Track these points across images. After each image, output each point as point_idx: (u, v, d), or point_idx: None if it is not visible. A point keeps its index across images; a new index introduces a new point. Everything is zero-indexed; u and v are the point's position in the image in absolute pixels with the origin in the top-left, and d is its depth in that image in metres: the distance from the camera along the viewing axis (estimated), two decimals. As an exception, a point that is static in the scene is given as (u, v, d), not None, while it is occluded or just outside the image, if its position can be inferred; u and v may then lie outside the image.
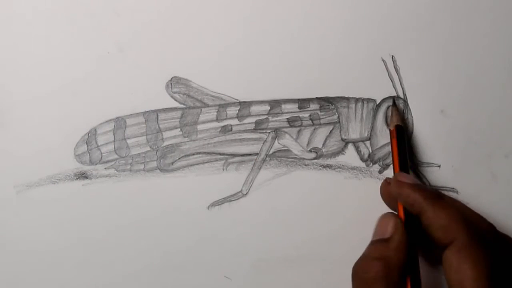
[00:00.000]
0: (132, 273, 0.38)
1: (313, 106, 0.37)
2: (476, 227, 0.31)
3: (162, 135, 0.37)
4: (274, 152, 0.38)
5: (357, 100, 0.37)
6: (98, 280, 0.38)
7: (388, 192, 0.35)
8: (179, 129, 0.37)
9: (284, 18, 0.37)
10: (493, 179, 0.38)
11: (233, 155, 0.38)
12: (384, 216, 0.33)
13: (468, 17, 0.37)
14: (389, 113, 0.37)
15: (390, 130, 0.36)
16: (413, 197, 0.32)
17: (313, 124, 0.38)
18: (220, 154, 0.38)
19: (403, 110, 0.37)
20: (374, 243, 0.32)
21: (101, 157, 0.37)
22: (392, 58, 0.37)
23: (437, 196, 0.32)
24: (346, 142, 0.38)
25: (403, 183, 0.33)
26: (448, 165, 0.38)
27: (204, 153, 0.38)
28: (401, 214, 0.33)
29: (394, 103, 0.37)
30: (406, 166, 0.35)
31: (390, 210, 0.35)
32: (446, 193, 0.38)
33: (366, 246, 0.33)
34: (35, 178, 0.37)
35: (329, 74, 0.37)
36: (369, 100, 0.37)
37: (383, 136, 0.37)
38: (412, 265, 0.32)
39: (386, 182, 0.36)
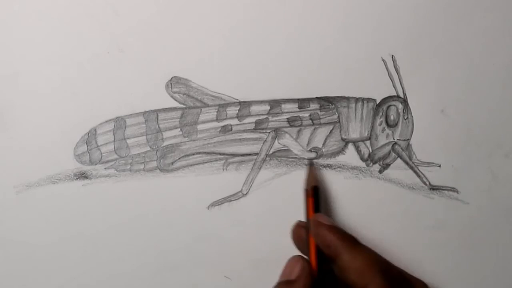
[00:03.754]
0: (132, 273, 0.38)
1: (313, 106, 0.37)
2: (389, 272, 0.31)
3: (162, 135, 0.37)
4: (274, 152, 0.38)
5: (357, 99, 0.37)
6: (98, 279, 0.38)
7: (299, 235, 0.35)
8: (179, 129, 0.37)
9: (284, 18, 0.37)
10: (493, 178, 0.38)
11: (233, 155, 0.38)
12: (292, 259, 0.34)
13: (468, 17, 0.37)
14: (389, 113, 0.37)
15: (306, 190, 0.36)
16: (330, 238, 0.32)
17: (313, 124, 0.38)
18: (220, 154, 0.38)
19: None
20: (279, 284, 0.33)
21: (101, 157, 0.37)
22: (392, 58, 0.37)
23: (353, 240, 0.33)
24: (346, 142, 0.38)
25: (321, 224, 0.33)
26: (448, 164, 0.38)
27: (204, 153, 0.38)
28: (313, 257, 0.33)
29: (311, 164, 0.37)
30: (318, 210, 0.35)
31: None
32: (446, 192, 0.38)
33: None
34: (35, 178, 0.37)
35: (329, 74, 0.37)
36: (369, 100, 0.37)
37: (383, 136, 0.37)
38: None
39: (299, 226, 0.36)
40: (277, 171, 0.38)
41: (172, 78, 0.37)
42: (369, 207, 0.37)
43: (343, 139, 0.38)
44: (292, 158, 0.38)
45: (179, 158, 0.38)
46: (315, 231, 0.33)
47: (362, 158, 0.38)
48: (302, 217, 0.37)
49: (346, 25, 0.37)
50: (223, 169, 0.38)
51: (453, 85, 0.38)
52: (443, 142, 0.38)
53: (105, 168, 0.37)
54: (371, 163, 0.38)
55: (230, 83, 0.37)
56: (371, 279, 0.31)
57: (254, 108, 0.37)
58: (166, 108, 0.37)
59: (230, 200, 0.37)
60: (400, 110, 0.37)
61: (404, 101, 0.37)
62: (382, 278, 0.31)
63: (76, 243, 0.37)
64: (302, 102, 0.37)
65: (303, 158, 0.38)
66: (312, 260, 0.33)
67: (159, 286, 0.38)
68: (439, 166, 0.38)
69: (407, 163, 0.37)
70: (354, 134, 0.38)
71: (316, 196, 0.35)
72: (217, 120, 0.38)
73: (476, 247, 0.38)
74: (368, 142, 0.38)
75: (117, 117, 0.37)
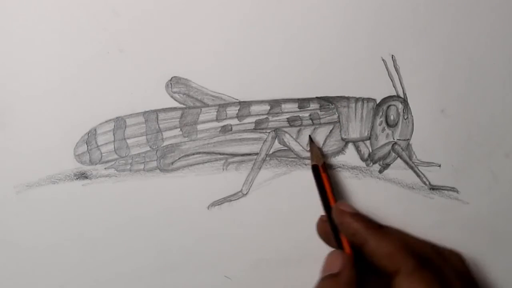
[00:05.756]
0: (132, 273, 0.38)
1: (313, 105, 0.37)
2: (419, 251, 0.31)
3: (162, 135, 0.37)
4: (274, 152, 0.38)
5: (357, 99, 0.37)
6: (97, 279, 0.38)
7: (325, 229, 0.35)
8: (179, 129, 0.37)
9: (284, 18, 0.37)
10: (493, 178, 0.38)
11: (233, 155, 0.38)
12: (332, 253, 0.33)
13: (468, 17, 0.37)
14: (389, 113, 0.37)
15: (317, 166, 0.36)
16: (355, 226, 0.32)
17: (313, 124, 0.38)
18: (220, 154, 0.38)
19: (404, 110, 0.37)
20: (324, 279, 0.32)
21: (101, 157, 0.37)
22: (392, 58, 0.37)
23: (377, 225, 0.33)
24: (346, 142, 0.38)
25: (345, 212, 0.33)
26: (448, 164, 0.38)
27: (204, 153, 0.38)
28: (348, 249, 0.33)
29: (311, 140, 0.37)
30: (336, 198, 0.35)
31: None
32: (446, 192, 0.38)
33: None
34: (35, 178, 0.37)
35: (329, 74, 0.37)
36: (369, 99, 0.37)
37: (383, 136, 0.37)
38: None
39: (322, 220, 0.36)
40: (277, 171, 0.38)
41: (172, 78, 0.37)
42: (369, 207, 0.37)
43: (343, 139, 0.38)
44: (292, 158, 0.38)
45: (179, 158, 0.38)
46: (339, 220, 0.33)
47: (362, 158, 0.38)
48: (302, 217, 0.37)
49: (346, 25, 0.37)
50: (223, 169, 0.38)
51: (453, 85, 0.38)
52: (443, 142, 0.38)
53: (105, 168, 0.37)
54: (371, 163, 0.38)
55: (230, 83, 0.37)
56: (403, 262, 0.30)
57: (254, 108, 0.37)
58: (166, 108, 0.37)
59: (230, 200, 0.37)
60: (400, 110, 0.37)
61: (404, 101, 0.37)
62: (413, 258, 0.30)
63: (76, 243, 0.37)
64: (302, 102, 0.37)
65: (303, 158, 0.38)
66: (347, 249, 0.33)
67: (159, 286, 0.38)
68: (439, 166, 0.38)
69: (407, 163, 0.37)
70: (354, 134, 0.38)
71: (327, 172, 0.35)
72: (217, 120, 0.38)
73: (476, 247, 0.38)
74: (368, 142, 0.38)
75: (117, 117, 0.37)
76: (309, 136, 0.37)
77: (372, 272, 0.32)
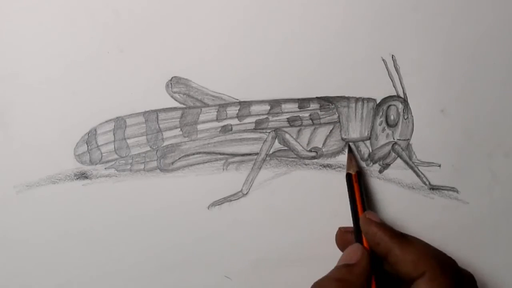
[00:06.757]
0: (132, 272, 0.38)
1: (313, 105, 0.37)
2: (441, 260, 0.32)
3: (162, 135, 0.37)
4: (274, 151, 0.38)
5: (357, 99, 0.37)
6: (97, 279, 0.38)
7: (344, 240, 0.36)
8: (179, 129, 0.37)
9: (284, 18, 0.37)
10: (493, 178, 0.38)
11: (233, 155, 0.38)
12: (353, 246, 0.34)
13: (468, 17, 0.37)
14: (390, 113, 0.37)
15: (351, 174, 0.36)
16: (380, 235, 0.33)
17: (313, 124, 0.38)
18: (220, 154, 0.38)
19: (403, 111, 0.37)
20: (339, 267, 0.33)
21: (101, 157, 0.37)
22: (392, 57, 0.37)
23: (402, 235, 0.34)
24: (346, 142, 0.38)
25: (372, 221, 0.34)
26: (448, 164, 0.38)
27: (204, 153, 0.38)
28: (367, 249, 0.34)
29: (350, 149, 0.37)
30: (365, 207, 0.35)
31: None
32: (446, 192, 0.38)
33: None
34: (35, 178, 0.37)
35: (329, 74, 0.37)
36: (369, 99, 0.37)
37: (383, 136, 0.37)
38: None
39: (341, 231, 0.36)
40: (277, 171, 0.38)
41: (172, 78, 0.37)
42: (369, 207, 0.37)
43: (343, 139, 0.38)
44: (292, 158, 0.38)
45: (179, 158, 0.38)
46: (366, 229, 0.34)
47: (362, 158, 0.38)
48: (302, 216, 0.37)
49: (346, 25, 0.37)
50: (223, 169, 0.38)
51: (453, 85, 0.38)
52: (443, 142, 0.38)
53: (105, 168, 0.37)
54: (371, 163, 0.38)
55: (230, 83, 0.37)
56: (427, 267, 0.31)
57: (254, 108, 0.37)
58: (166, 108, 0.37)
59: (230, 200, 0.37)
60: (400, 110, 0.37)
61: (404, 101, 0.37)
62: (438, 263, 0.32)
63: (76, 243, 0.37)
64: (302, 102, 0.37)
65: (303, 158, 0.38)
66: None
67: (159, 286, 0.38)
68: (439, 166, 0.38)
69: (407, 163, 0.37)
70: (354, 134, 0.38)
71: (360, 180, 0.36)
72: (217, 120, 0.38)
73: (476, 247, 0.38)
74: (368, 142, 0.38)
75: (117, 117, 0.37)
76: (348, 144, 0.37)
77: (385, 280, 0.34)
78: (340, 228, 0.36)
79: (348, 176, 0.36)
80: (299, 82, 0.37)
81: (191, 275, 0.38)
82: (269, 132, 0.37)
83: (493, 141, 0.38)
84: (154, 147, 0.38)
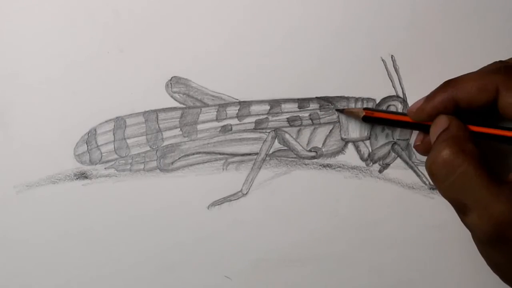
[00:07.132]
0: (132, 273, 0.38)
1: (313, 105, 0.37)
2: None
3: (162, 135, 0.37)
4: (274, 151, 0.38)
5: (356, 99, 0.37)
6: (98, 279, 0.38)
7: (425, 148, 0.35)
8: (179, 129, 0.37)
9: (284, 18, 0.37)
10: (493, 178, 0.38)
11: (233, 154, 0.38)
12: (437, 119, 0.33)
13: (468, 17, 0.37)
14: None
15: (364, 114, 0.36)
16: (485, 80, 0.32)
17: (313, 124, 0.38)
18: (220, 153, 0.38)
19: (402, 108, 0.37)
20: (439, 136, 0.32)
21: (101, 157, 0.37)
22: (392, 58, 0.37)
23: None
24: (346, 142, 0.38)
25: (419, 102, 0.34)
26: (448, 164, 0.37)
27: (204, 152, 0.38)
28: None
29: (341, 110, 0.37)
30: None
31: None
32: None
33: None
34: (35, 178, 0.37)
35: (329, 74, 0.37)
36: (368, 99, 0.37)
37: (383, 136, 0.37)
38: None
39: (418, 142, 0.36)
40: (277, 171, 0.38)
41: (172, 78, 0.37)
42: (369, 207, 0.37)
43: (343, 139, 0.38)
44: (292, 158, 0.38)
45: (179, 158, 0.38)
46: (431, 107, 0.33)
47: (362, 158, 0.38)
48: (302, 216, 0.37)
49: (345, 25, 0.37)
50: (223, 169, 0.38)
51: (453, 85, 0.37)
52: (443, 142, 0.38)
53: (105, 168, 0.37)
54: (371, 163, 0.38)
55: (230, 83, 0.37)
56: None
57: (254, 108, 0.37)
58: (166, 108, 0.37)
59: (230, 200, 0.37)
60: (400, 110, 0.37)
61: (404, 101, 0.37)
62: None
63: (76, 243, 0.37)
64: (302, 102, 0.37)
65: (303, 158, 0.38)
66: None
67: (159, 286, 0.38)
68: (439, 166, 0.37)
69: (407, 162, 0.37)
70: (353, 134, 0.38)
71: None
72: (217, 120, 0.38)
73: (476, 247, 0.38)
74: (368, 142, 0.38)
75: (117, 117, 0.37)
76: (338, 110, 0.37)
77: None
78: (415, 142, 0.36)
79: (365, 116, 0.36)
80: (298, 82, 0.37)
81: (191, 275, 0.38)
82: (269, 132, 0.37)
83: (493, 141, 0.38)
84: (154, 147, 0.38)
